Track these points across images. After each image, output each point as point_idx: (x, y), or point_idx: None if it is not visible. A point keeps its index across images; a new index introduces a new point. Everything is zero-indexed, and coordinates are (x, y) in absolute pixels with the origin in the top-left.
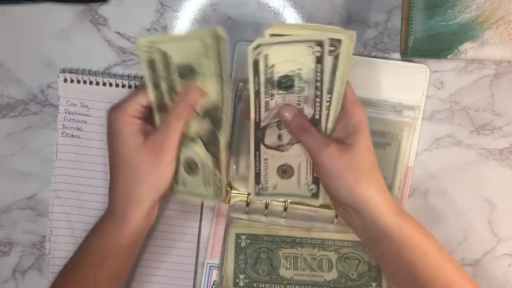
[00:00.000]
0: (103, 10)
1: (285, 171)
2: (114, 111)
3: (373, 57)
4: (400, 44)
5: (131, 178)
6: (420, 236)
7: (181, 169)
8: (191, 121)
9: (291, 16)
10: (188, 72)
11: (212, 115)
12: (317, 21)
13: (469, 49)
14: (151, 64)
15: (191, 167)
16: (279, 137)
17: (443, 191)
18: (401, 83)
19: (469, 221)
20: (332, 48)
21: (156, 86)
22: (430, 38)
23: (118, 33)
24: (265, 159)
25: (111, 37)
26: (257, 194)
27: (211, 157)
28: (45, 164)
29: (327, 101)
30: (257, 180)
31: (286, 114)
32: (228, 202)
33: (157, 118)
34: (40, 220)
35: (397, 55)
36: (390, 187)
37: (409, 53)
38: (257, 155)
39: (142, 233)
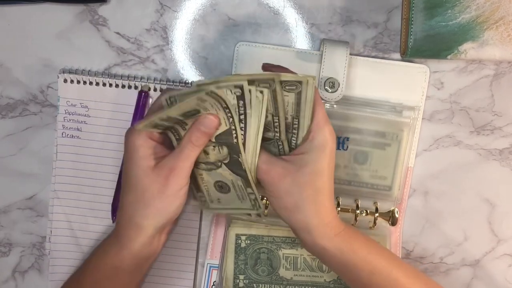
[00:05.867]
0: (103, 10)
1: (221, 187)
2: (131, 132)
3: (373, 57)
4: (400, 44)
5: (137, 201)
6: (367, 255)
7: (213, 189)
8: (208, 149)
9: (291, 16)
10: (194, 112)
11: (225, 141)
12: (317, 21)
13: (469, 49)
14: (156, 125)
15: (222, 187)
16: (206, 153)
17: (443, 192)
18: (401, 83)
19: (469, 221)
20: (292, 87)
21: (169, 128)
22: (430, 39)
23: (118, 33)
24: (200, 175)
25: (110, 37)
26: (204, 206)
27: (239, 177)
28: (45, 164)
29: (295, 124)
30: (199, 193)
31: None
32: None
33: (173, 142)
34: (40, 221)
35: (397, 55)
36: (390, 188)
37: (409, 53)
38: (193, 170)
39: (145, 260)
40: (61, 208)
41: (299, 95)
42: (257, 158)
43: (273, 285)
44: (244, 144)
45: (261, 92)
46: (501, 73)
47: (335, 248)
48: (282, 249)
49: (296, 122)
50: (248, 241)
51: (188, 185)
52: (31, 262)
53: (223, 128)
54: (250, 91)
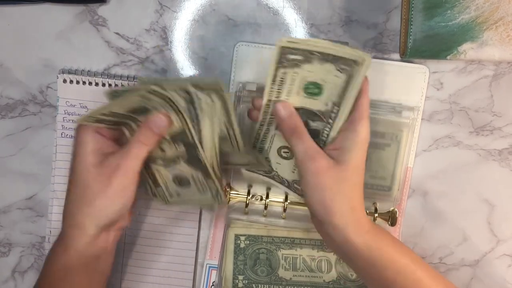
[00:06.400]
0: (103, 10)
1: (180, 182)
2: (79, 125)
3: (372, 57)
4: (399, 44)
5: (79, 199)
6: (393, 254)
7: (172, 184)
8: (164, 146)
9: (290, 16)
10: (143, 110)
11: (182, 139)
12: (317, 22)
13: (468, 49)
14: (101, 120)
15: (182, 181)
16: (162, 150)
17: (443, 192)
18: (400, 84)
19: (469, 222)
20: (347, 68)
21: (122, 124)
22: (430, 39)
23: (118, 33)
24: (158, 170)
25: (110, 37)
26: (163, 202)
27: (199, 171)
28: (44, 164)
29: (333, 112)
30: (158, 188)
31: (282, 110)
32: (228, 202)
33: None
34: (39, 221)
35: (397, 56)
36: (389, 188)
37: (409, 53)
38: (147, 167)
39: (93, 258)
40: (61, 208)
41: (350, 78)
42: (217, 152)
43: (272, 286)
44: (201, 143)
45: (211, 98)
46: (500, 74)
47: (364, 245)
48: (281, 249)
49: (336, 111)
50: (248, 242)
51: (135, 184)
52: (30, 262)
53: (176, 128)
54: (197, 95)
